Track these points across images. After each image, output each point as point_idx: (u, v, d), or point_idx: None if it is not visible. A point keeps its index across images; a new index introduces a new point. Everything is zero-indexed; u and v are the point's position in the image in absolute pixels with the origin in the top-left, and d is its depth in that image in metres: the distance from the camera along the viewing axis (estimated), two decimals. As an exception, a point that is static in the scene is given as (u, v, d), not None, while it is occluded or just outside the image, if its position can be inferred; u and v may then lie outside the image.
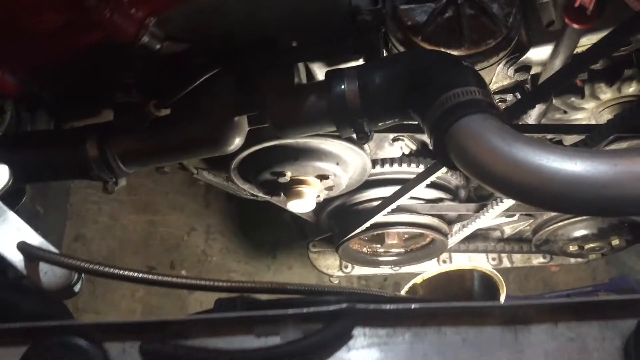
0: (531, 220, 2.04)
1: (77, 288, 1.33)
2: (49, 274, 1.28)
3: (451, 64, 1.17)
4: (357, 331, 0.78)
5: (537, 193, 0.95)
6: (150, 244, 2.91)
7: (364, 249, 2.07)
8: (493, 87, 1.54)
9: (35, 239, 1.26)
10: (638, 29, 1.27)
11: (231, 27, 1.18)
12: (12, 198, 1.40)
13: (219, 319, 0.78)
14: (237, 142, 1.31)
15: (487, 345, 0.77)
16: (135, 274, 1.12)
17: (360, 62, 1.26)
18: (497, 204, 1.71)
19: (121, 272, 1.11)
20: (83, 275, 1.34)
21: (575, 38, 1.33)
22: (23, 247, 1.22)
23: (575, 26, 1.26)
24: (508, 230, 2.16)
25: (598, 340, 0.77)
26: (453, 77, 1.09)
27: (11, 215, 1.28)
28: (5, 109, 1.44)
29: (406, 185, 1.60)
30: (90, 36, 1.17)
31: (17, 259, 1.25)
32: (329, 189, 1.64)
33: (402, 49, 1.37)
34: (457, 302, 0.79)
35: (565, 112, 1.66)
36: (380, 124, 1.20)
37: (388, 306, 0.78)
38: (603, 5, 1.26)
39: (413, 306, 0.78)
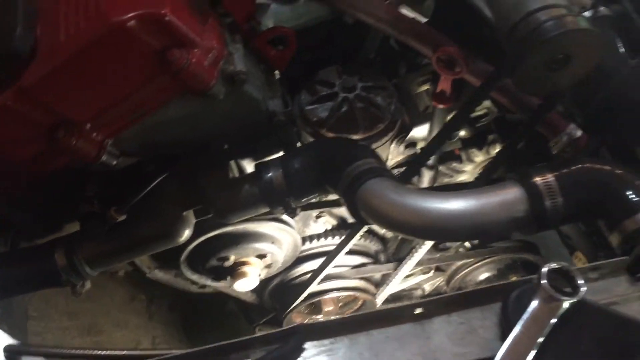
0: (443, 274, 2.27)
1: (54, 387, 1.46)
2: (29, 378, 1.41)
3: (350, 145, 1.45)
4: (308, 344, 1.01)
5: (430, 229, 1.22)
6: (98, 365, 2.94)
7: (306, 322, 2.24)
8: (390, 163, 1.83)
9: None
10: (476, 104, 1.62)
11: (175, 139, 1.37)
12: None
13: (200, 351, 0.99)
14: (187, 233, 1.50)
15: (404, 337, 1.02)
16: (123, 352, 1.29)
17: (281, 153, 1.49)
18: (410, 257, 1.95)
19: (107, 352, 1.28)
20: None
21: (443, 115, 1.65)
22: (10, 349, 1.35)
23: (440, 106, 1.60)
24: (428, 288, 2.37)
25: (480, 320, 1.02)
26: (354, 154, 1.35)
27: (-13, 329, 1.39)
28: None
29: (332, 252, 1.82)
30: (58, 161, 1.32)
31: (-1, 367, 1.37)
32: (268, 266, 1.82)
33: (312, 139, 1.66)
34: (379, 309, 1.05)
35: (451, 176, 1.95)
36: (304, 200, 1.43)
37: (329, 320, 1.03)
38: (460, 90, 1.60)
39: (348, 317, 1.03)
